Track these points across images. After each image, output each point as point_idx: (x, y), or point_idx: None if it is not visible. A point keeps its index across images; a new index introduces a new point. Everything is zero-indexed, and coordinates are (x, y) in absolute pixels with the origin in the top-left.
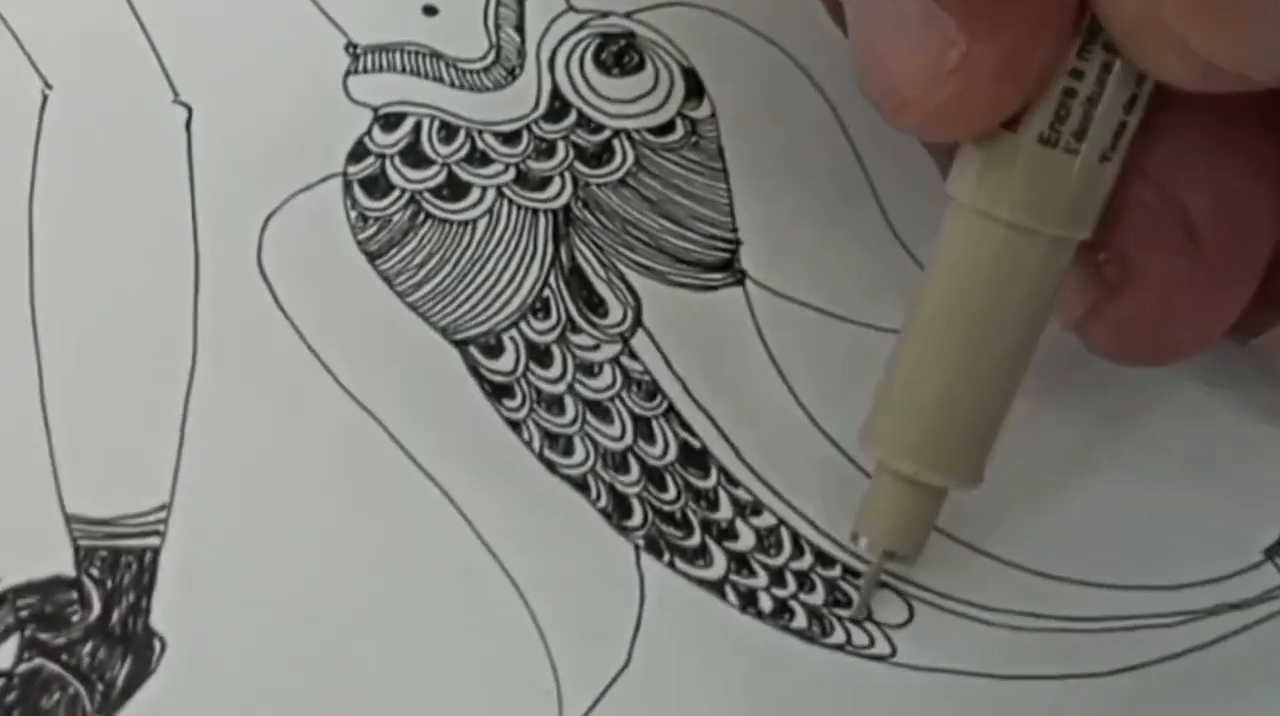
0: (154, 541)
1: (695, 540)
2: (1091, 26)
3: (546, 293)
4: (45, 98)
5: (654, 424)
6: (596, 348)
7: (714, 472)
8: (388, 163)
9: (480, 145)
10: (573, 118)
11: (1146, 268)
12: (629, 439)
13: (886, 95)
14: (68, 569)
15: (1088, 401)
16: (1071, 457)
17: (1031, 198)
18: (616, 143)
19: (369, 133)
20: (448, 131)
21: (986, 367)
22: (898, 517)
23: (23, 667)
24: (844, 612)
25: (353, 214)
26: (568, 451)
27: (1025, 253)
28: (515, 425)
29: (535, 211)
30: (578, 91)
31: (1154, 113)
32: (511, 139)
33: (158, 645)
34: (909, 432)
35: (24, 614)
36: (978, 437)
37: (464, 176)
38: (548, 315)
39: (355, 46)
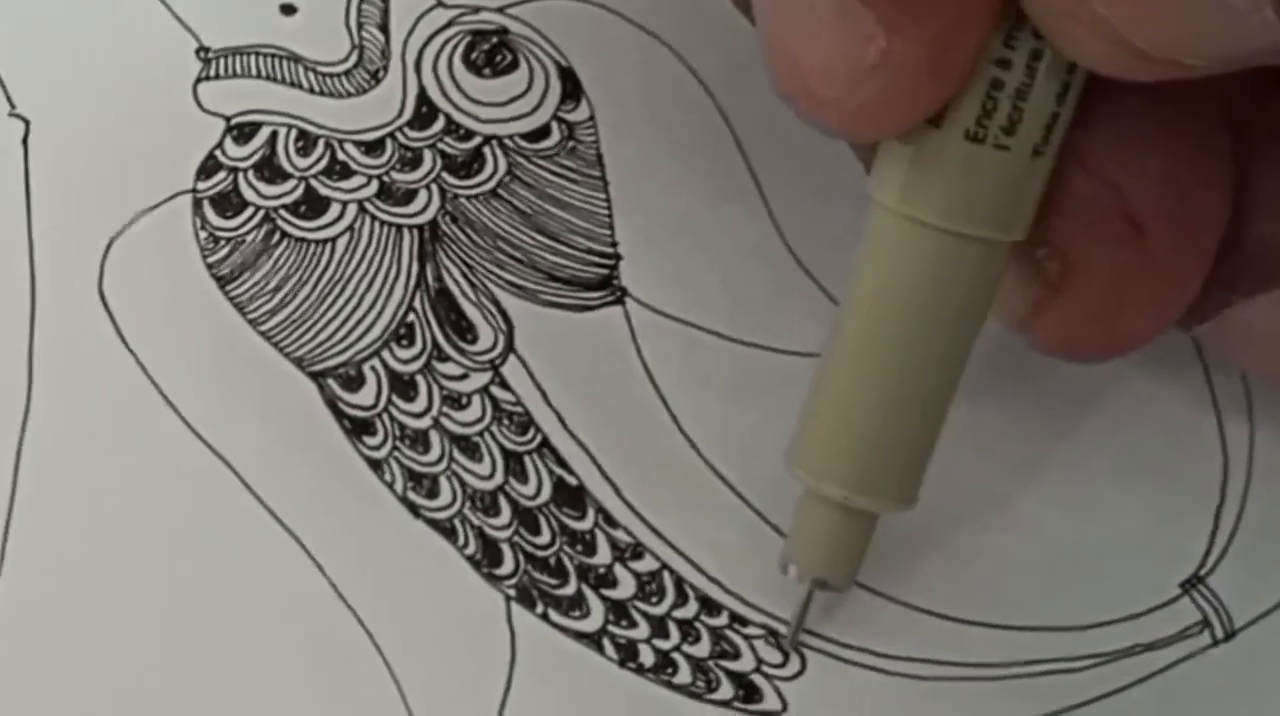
0: None
1: (571, 588)
2: (1019, 13)
3: (411, 317)
4: None
5: (527, 460)
6: (465, 377)
7: (591, 513)
8: (241, 178)
9: (341, 156)
10: (440, 124)
11: (1090, 262)
12: (499, 477)
13: (800, 94)
14: None
15: (998, 419)
16: (980, 484)
17: (960, 199)
18: (487, 150)
19: (221, 145)
20: (306, 142)
21: (920, 383)
22: (828, 545)
23: None
24: (730, 664)
25: (202, 235)
26: (433, 493)
27: (957, 258)
28: (376, 464)
29: (399, 228)
30: (446, 95)
31: (1090, 100)
32: (374, 149)
33: None
34: (838, 456)
35: None
36: (911, 457)
37: (323, 191)
38: (412, 342)
39: (207, 50)
